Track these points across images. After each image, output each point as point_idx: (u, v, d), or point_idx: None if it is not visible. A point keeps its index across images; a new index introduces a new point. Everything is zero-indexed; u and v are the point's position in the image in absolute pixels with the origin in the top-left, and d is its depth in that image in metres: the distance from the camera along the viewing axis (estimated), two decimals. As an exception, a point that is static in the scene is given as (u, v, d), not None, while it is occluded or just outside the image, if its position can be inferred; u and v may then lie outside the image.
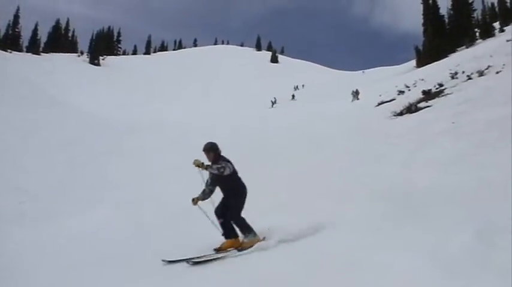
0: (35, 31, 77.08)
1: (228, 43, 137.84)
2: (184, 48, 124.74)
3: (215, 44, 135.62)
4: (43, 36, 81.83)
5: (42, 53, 69.99)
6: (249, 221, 6.27)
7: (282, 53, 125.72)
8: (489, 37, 43.71)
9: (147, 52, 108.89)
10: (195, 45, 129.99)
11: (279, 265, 5.12)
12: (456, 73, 20.74)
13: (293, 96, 62.40)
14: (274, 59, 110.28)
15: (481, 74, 17.52)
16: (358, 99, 37.01)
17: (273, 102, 54.96)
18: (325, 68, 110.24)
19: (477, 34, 47.99)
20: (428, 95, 18.50)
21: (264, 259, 5.49)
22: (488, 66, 18.21)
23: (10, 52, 56.71)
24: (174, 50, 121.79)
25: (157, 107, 46.19)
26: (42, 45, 77.94)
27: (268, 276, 4.82)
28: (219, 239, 6.36)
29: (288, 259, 5.25)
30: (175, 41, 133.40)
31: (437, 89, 19.33)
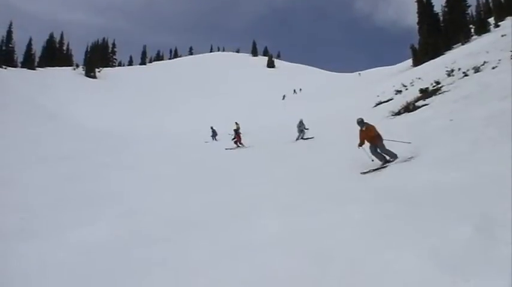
0: (29, 46, 76.50)
1: (223, 50, 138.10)
2: (180, 56, 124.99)
3: (211, 51, 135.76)
4: (38, 51, 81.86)
5: (37, 68, 69.67)
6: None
7: (278, 57, 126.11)
8: (484, 33, 43.75)
9: (143, 62, 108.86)
10: (191, 53, 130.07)
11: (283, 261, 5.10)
12: (452, 70, 20.80)
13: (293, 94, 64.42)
14: (270, 64, 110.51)
15: (477, 70, 17.56)
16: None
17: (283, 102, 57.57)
18: (322, 71, 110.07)
19: (472, 30, 48.05)
20: (425, 94, 18.56)
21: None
22: (484, 62, 18.25)
23: (5, 68, 56.47)
24: (169, 59, 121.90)
25: (155, 117, 46.17)
26: (37, 59, 77.83)
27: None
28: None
29: (294, 257, 5.24)
30: (170, 50, 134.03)
31: (434, 87, 19.38)
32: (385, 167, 10.16)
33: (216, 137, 32.19)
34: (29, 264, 6.70)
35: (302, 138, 22.28)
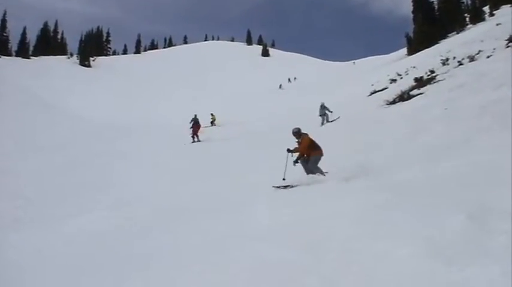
0: (23, 35, 75.98)
1: (218, 39, 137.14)
2: (175, 45, 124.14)
3: (205, 40, 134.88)
4: (32, 39, 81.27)
5: (31, 57, 69.19)
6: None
7: (272, 46, 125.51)
8: (479, 22, 43.68)
9: (138, 51, 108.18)
10: (185, 42, 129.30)
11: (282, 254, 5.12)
12: (447, 59, 20.81)
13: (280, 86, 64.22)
14: (265, 53, 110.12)
15: (472, 59, 17.57)
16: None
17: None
18: (317, 59, 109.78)
19: (467, 19, 47.97)
20: (420, 82, 18.57)
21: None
22: (479, 51, 18.25)
23: (-1, 57, 56.17)
24: (164, 47, 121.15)
25: (150, 106, 46.01)
26: (31, 48, 77.27)
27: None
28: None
29: (287, 247, 5.25)
30: (165, 39, 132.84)
31: (428, 76, 19.39)
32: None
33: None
34: (23, 253, 6.69)
35: (328, 121, 21.94)
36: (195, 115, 24.19)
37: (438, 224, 4.56)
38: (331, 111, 22.07)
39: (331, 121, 21.37)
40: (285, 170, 9.60)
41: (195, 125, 22.92)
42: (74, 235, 7.60)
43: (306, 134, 9.87)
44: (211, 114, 30.56)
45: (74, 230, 7.88)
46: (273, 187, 9.26)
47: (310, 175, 9.32)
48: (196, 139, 22.51)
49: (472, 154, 6.98)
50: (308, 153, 9.57)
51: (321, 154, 9.54)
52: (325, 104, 22.55)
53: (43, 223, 8.40)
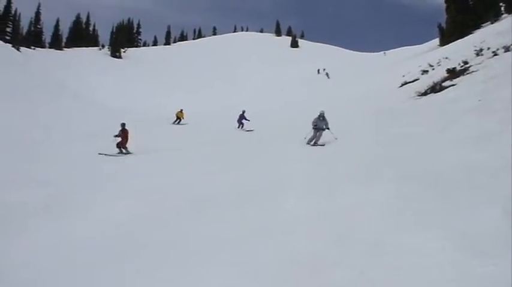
0: (56, 27, 77.51)
1: (247, 29, 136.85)
2: (204, 36, 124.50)
3: (234, 31, 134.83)
4: (65, 31, 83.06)
5: (64, 48, 70.61)
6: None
7: (302, 37, 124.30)
8: (515, 11, 42.41)
9: (167, 42, 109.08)
10: (214, 34, 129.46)
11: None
12: (481, 50, 20.28)
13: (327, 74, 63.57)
14: (294, 44, 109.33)
15: (507, 49, 17.09)
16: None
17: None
18: (346, 50, 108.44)
19: (502, 8, 46.58)
20: (453, 74, 18.17)
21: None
22: (515, 41, 17.75)
23: (33, 49, 57.30)
24: (193, 39, 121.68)
25: (179, 98, 46.42)
26: (64, 40, 78.88)
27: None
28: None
29: (312, 239, 5.29)
30: (194, 30, 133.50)
31: (462, 67, 18.95)
32: None
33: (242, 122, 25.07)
34: (54, 241, 6.86)
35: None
36: (123, 123, 16.63)
37: (471, 217, 4.52)
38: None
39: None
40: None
41: (123, 133, 16.34)
42: (102, 222, 7.76)
43: None
44: (181, 111, 29.32)
45: (102, 218, 8.05)
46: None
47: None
48: (124, 151, 16.29)
49: (505, 146, 6.84)
50: None
51: None
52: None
53: (73, 211, 8.60)
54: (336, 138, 13.85)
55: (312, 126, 14.71)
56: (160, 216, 8.03)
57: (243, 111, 25.44)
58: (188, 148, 16.78)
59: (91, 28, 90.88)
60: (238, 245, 5.73)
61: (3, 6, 61.95)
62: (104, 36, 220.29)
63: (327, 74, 63.60)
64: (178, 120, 29.05)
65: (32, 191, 9.70)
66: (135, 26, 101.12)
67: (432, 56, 34.52)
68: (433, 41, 59.15)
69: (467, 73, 16.62)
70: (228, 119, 26.16)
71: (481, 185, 5.60)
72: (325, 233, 5.45)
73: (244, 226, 6.58)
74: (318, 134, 14.46)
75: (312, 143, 14.35)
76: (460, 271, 3.66)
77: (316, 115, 14.90)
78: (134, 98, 43.80)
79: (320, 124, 14.57)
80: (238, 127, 24.50)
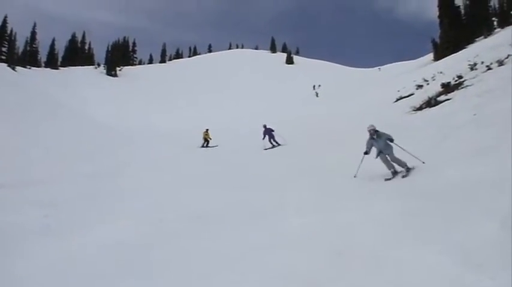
0: (52, 46, 78.22)
1: (242, 47, 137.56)
2: (199, 54, 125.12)
3: (229, 48, 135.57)
4: (60, 50, 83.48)
5: (60, 67, 70.86)
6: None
7: (297, 53, 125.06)
8: (507, 25, 42.76)
9: (163, 60, 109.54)
10: (210, 51, 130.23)
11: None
12: (475, 64, 20.40)
13: (316, 94, 63.80)
14: (289, 61, 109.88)
15: (500, 63, 17.19)
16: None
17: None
18: (341, 66, 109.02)
19: (495, 23, 47.08)
20: (447, 88, 18.26)
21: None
22: (508, 55, 17.85)
23: (29, 68, 57.51)
24: (189, 56, 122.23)
25: (177, 115, 46.42)
26: (60, 59, 79.24)
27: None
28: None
29: (313, 254, 5.24)
30: (190, 48, 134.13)
31: (456, 81, 19.04)
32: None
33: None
34: (54, 261, 6.77)
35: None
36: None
37: (469, 231, 4.49)
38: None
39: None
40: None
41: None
42: (103, 242, 7.67)
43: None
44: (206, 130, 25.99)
45: (102, 238, 7.95)
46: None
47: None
48: None
49: (502, 160, 6.84)
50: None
51: None
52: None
53: (72, 231, 8.50)
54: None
55: (375, 155, 10.25)
56: (161, 234, 7.95)
57: (265, 126, 22.57)
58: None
59: (86, 47, 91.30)
60: (237, 262, 5.70)
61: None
62: (100, 54, 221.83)
63: (316, 93, 63.90)
64: (206, 143, 25.60)
65: (31, 212, 9.58)
66: (131, 44, 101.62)
67: (427, 70, 34.77)
68: (427, 55, 59.71)
69: (462, 87, 16.68)
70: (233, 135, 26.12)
71: (479, 199, 5.63)
72: (325, 249, 5.43)
73: (245, 243, 6.56)
74: (386, 158, 9.94)
75: (392, 170, 9.73)
76: (457, 285, 3.66)
77: (366, 136, 10.52)
78: (130, 117, 43.83)
79: (380, 145, 10.10)
80: (271, 146, 21.23)
